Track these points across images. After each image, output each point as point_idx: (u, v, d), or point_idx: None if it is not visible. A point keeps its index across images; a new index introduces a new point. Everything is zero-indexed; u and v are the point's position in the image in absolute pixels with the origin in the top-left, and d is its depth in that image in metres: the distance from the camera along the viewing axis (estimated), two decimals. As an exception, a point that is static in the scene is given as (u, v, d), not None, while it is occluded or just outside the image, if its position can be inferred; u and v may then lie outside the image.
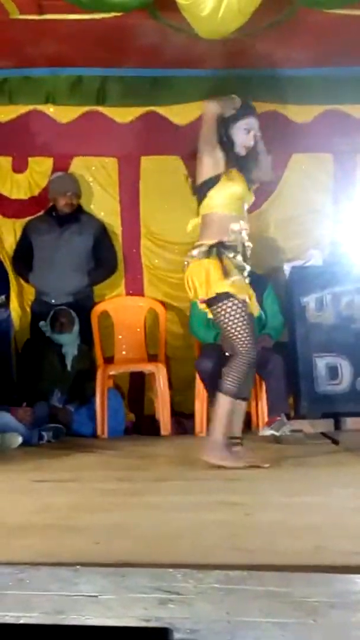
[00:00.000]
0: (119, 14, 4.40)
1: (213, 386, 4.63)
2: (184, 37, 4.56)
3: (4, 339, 5.01)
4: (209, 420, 4.80)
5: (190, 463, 3.69)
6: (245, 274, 3.51)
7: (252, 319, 3.51)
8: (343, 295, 5.07)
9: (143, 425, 5.23)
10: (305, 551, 1.89)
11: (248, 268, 3.52)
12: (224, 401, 3.46)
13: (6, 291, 5.31)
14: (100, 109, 5.47)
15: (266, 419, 4.68)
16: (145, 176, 5.49)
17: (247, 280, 3.54)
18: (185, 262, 3.57)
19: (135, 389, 5.46)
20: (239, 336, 3.43)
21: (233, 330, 3.43)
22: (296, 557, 1.82)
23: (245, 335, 3.42)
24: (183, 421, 5.16)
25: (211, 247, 3.45)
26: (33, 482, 3.14)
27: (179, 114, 5.36)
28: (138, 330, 5.39)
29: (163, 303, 5.42)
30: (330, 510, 2.48)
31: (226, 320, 3.43)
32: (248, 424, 5.02)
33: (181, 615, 1.39)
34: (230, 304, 3.42)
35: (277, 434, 4.45)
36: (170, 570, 1.65)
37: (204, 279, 3.44)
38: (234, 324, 3.42)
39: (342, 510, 2.47)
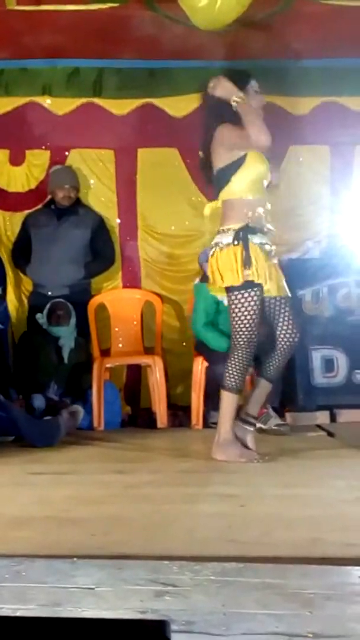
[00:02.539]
0: (115, 5, 4.39)
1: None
2: (181, 28, 4.56)
3: (1, 331, 5.01)
4: (205, 413, 4.83)
5: (186, 455, 3.71)
6: (273, 255, 3.44)
7: (260, 314, 3.40)
8: (340, 288, 5.08)
9: (139, 418, 5.23)
10: (300, 543, 1.90)
11: (274, 249, 3.45)
12: (227, 398, 3.44)
13: (3, 283, 5.31)
14: (97, 100, 5.47)
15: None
16: (142, 168, 5.49)
17: (275, 261, 3.46)
18: (212, 250, 3.48)
19: (132, 381, 5.47)
20: (244, 330, 3.37)
21: (240, 323, 3.38)
22: (292, 549, 1.83)
23: (249, 330, 3.37)
24: (179, 414, 5.16)
25: (237, 231, 3.37)
26: (30, 475, 3.14)
27: (176, 105, 5.36)
28: (135, 323, 5.39)
29: (160, 296, 5.42)
30: (326, 502, 2.49)
31: (237, 310, 3.38)
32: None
33: (177, 607, 1.40)
34: (246, 295, 3.35)
35: (264, 427, 4.45)
36: (167, 562, 1.66)
37: (234, 267, 3.36)
38: (243, 316, 3.37)
39: (337, 502, 2.48)
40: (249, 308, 3.36)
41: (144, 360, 5.20)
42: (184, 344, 5.37)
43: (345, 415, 4.90)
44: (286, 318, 3.47)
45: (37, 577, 1.59)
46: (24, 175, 5.53)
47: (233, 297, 3.39)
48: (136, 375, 5.44)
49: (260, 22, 4.55)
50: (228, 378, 3.43)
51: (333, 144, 5.47)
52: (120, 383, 5.39)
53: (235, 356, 3.42)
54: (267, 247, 3.41)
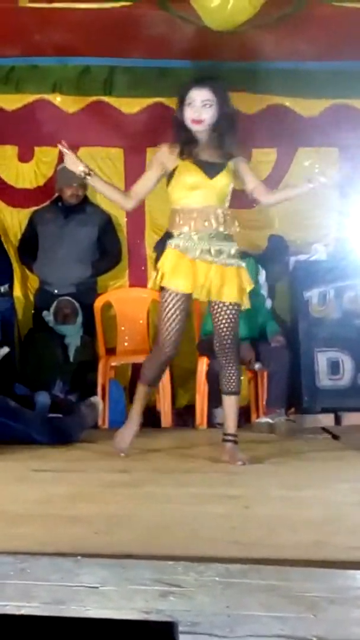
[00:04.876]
0: (128, 4, 4.39)
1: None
2: (193, 28, 4.55)
3: (7, 328, 5.00)
4: (209, 413, 4.84)
5: (191, 455, 3.70)
6: (211, 258, 3.43)
7: (183, 317, 3.47)
8: (346, 290, 5.06)
9: (144, 417, 5.22)
10: (305, 545, 1.89)
11: (210, 257, 3.43)
12: (137, 387, 3.68)
13: (9, 280, 5.31)
14: (107, 99, 5.47)
15: (264, 411, 4.73)
16: (151, 167, 5.48)
17: (225, 263, 3.46)
18: None
19: (137, 380, 5.44)
20: (163, 331, 3.47)
21: (161, 323, 3.47)
22: (296, 551, 1.82)
23: (167, 332, 3.45)
24: (183, 413, 5.16)
25: (161, 239, 3.49)
26: (34, 472, 3.14)
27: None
28: (141, 321, 5.39)
29: (166, 295, 5.41)
30: (330, 504, 2.48)
31: (160, 311, 3.49)
32: (247, 418, 5.05)
33: (182, 607, 1.40)
34: (166, 297, 3.45)
35: (271, 421, 4.52)
36: (171, 562, 1.66)
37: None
38: (163, 316, 3.45)
39: (342, 505, 2.48)
40: (163, 310, 3.46)
41: (149, 359, 5.18)
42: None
43: (350, 418, 4.90)
44: (219, 324, 3.51)
45: (41, 575, 1.59)
46: (32, 172, 5.53)
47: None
48: (141, 375, 5.43)
49: (272, 24, 4.54)
50: (142, 369, 3.62)
51: (342, 147, 5.45)
52: (125, 382, 5.38)
53: (152, 351, 3.67)
54: (197, 252, 3.41)
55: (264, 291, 4.94)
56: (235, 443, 3.52)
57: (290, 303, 5.32)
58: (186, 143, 3.47)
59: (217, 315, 3.52)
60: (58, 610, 1.39)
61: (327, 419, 4.91)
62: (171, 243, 3.47)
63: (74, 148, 5.47)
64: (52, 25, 4.75)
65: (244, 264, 3.57)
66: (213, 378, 4.81)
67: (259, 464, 3.39)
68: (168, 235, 3.60)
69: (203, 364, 4.86)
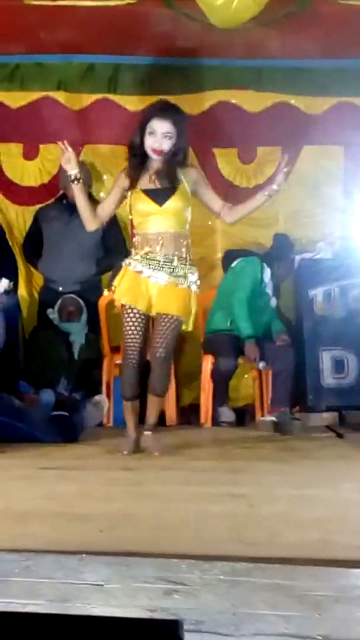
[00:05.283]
0: (132, 1, 4.39)
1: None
2: (198, 26, 4.55)
3: (12, 325, 4.99)
4: (214, 412, 4.84)
5: (195, 454, 3.71)
6: (159, 281, 3.63)
7: (138, 328, 3.67)
8: (351, 289, 5.06)
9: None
10: (310, 544, 1.90)
11: (160, 280, 3.63)
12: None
13: (14, 278, 5.31)
14: (111, 96, 5.46)
15: (268, 409, 4.73)
16: (155, 165, 5.47)
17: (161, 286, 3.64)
18: None
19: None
20: (124, 342, 3.71)
21: (122, 335, 3.73)
22: (301, 550, 1.82)
23: (126, 342, 3.70)
24: (188, 412, 5.16)
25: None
26: (39, 470, 3.15)
27: (191, 103, 5.33)
28: (145, 319, 5.38)
29: (170, 293, 5.41)
30: (335, 503, 2.48)
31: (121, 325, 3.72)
32: (252, 416, 5.05)
33: (186, 606, 1.39)
34: (123, 311, 3.71)
35: (276, 420, 4.53)
36: (175, 560, 1.66)
37: None
38: (123, 329, 3.71)
39: (347, 503, 2.48)
40: (123, 322, 3.70)
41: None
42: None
43: (355, 417, 4.89)
44: (158, 333, 3.68)
45: (46, 573, 1.60)
46: (37, 169, 5.53)
47: None
48: (146, 373, 5.42)
49: (277, 21, 4.53)
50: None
51: (347, 145, 5.44)
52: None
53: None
54: (149, 273, 3.63)
55: (269, 290, 4.93)
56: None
57: (295, 301, 5.31)
58: (135, 170, 3.68)
59: (158, 325, 3.71)
60: (63, 608, 1.39)
61: (332, 418, 4.91)
62: (127, 262, 3.72)
63: (79, 146, 5.52)
64: (56, 22, 4.75)
65: (194, 288, 3.71)
66: (218, 376, 4.83)
67: (264, 463, 3.38)
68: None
69: (208, 363, 4.86)
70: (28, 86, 5.44)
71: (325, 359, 4.97)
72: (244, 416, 5.05)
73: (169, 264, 3.64)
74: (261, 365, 4.77)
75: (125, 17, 4.61)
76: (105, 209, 3.79)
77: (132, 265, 3.69)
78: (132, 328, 3.67)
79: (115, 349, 5.26)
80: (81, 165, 5.37)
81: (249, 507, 2.40)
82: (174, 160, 3.65)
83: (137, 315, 3.67)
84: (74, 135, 5.47)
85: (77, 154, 5.46)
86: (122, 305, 3.71)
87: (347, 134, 5.32)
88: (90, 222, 3.80)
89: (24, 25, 4.77)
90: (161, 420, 4.97)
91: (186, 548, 1.83)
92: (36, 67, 5.43)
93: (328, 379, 4.97)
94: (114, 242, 5.37)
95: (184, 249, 3.68)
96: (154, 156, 3.64)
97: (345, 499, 2.56)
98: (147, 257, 3.65)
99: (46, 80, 5.44)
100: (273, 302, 5.01)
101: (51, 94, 5.46)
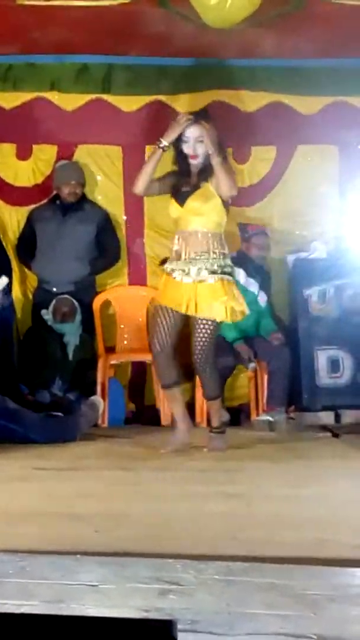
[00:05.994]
0: (126, 1, 4.38)
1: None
2: (192, 25, 4.54)
3: (6, 326, 4.98)
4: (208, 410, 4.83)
5: (191, 453, 3.70)
6: (189, 279, 3.76)
7: (166, 319, 3.81)
8: (346, 288, 5.06)
9: (143, 415, 5.23)
10: (306, 543, 1.89)
11: (189, 278, 3.76)
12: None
13: (8, 278, 5.29)
14: (105, 97, 5.44)
15: (264, 409, 4.74)
16: (149, 165, 5.46)
17: (203, 280, 3.75)
18: None
19: (137, 378, 5.45)
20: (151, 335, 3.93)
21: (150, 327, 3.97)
22: (297, 550, 1.82)
23: (154, 332, 3.88)
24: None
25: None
26: (34, 470, 3.14)
27: (185, 103, 5.33)
28: (140, 320, 5.38)
29: (165, 293, 5.40)
30: (331, 502, 2.48)
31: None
32: (248, 416, 5.05)
33: (181, 606, 1.39)
34: (156, 311, 3.92)
35: (272, 419, 4.52)
36: (171, 560, 1.65)
37: None
38: (153, 324, 3.94)
39: (343, 503, 2.47)
40: (151, 318, 3.97)
41: (148, 357, 5.17)
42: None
43: (350, 416, 4.89)
44: (195, 338, 3.83)
45: (41, 573, 1.59)
46: (30, 170, 5.51)
47: None
48: (141, 373, 5.43)
49: (271, 21, 4.53)
50: None
51: (342, 144, 5.44)
52: (124, 380, 5.38)
53: None
54: (179, 273, 3.78)
55: (253, 288, 4.92)
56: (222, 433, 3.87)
57: (289, 301, 5.31)
58: (180, 175, 3.87)
59: (195, 329, 3.84)
60: (58, 608, 1.38)
61: (327, 417, 4.91)
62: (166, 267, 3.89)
63: (72, 146, 5.52)
64: (50, 22, 4.73)
65: (228, 278, 3.80)
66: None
67: (259, 462, 3.38)
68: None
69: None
70: (21, 86, 5.42)
71: (321, 359, 4.97)
72: (238, 416, 5.04)
73: (197, 262, 3.76)
74: (250, 366, 4.78)
75: (118, 17, 4.60)
76: (153, 187, 3.91)
77: (167, 267, 3.88)
78: (160, 319, 3.83)
79: (110, 350, 5.27)
80: (76, 163, 5.41)
81: (245, 506, 2.39)
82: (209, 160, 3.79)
83: (167, 311, 3.82)
84: (67, 136, 5.48)
85: (71, 154, 5.48)
86: (155, 306, 3.96)
87: (341, 133, 5.33)
88: (141, 186, 3.90)
89: (17, 26, 4.75)
90: (156, 420, 4.99)
91: (182, 548, 1.82)
92: (29, 68, 5.42)
93: (323, 378, 4.97)
94: (108, 243, 5.37)
95: (212, 246, 3.77)
96: (194, 161, 3.83)
97: (340, 497, 2.56)
98: (177, 258, 3.81)
99: (39, 80, 5.42)
100: (262, 298, 4.99)
101: (44, 94, 5.44)
